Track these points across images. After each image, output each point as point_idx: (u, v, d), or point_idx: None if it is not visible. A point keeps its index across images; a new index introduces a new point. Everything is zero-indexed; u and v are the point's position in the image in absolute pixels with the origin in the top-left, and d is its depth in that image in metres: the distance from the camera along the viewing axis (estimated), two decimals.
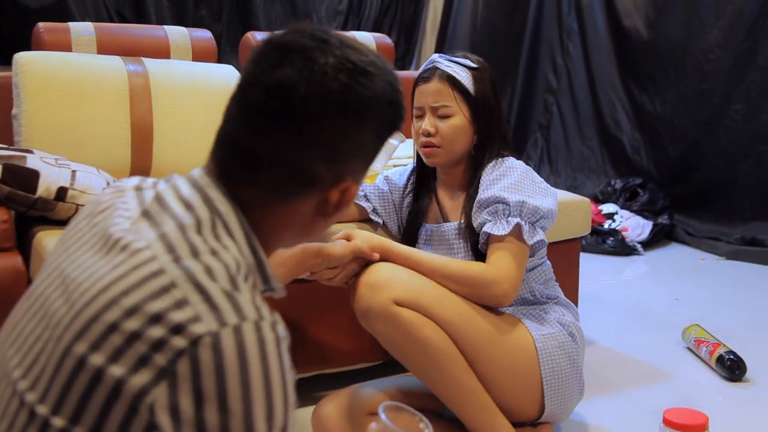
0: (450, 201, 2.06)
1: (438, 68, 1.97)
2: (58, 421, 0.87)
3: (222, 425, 0.83)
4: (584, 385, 1.99)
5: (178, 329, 0.84)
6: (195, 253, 0.90)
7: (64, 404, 0.87)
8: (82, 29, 2.68)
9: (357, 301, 1.84)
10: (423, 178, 2.12)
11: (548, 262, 2.06)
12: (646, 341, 2.81)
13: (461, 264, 1.88)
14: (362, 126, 1.00)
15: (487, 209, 1.90)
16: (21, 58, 2.43)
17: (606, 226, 4.08)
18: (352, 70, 0.98)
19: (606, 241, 4.00)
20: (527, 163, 2.00)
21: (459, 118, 1.96)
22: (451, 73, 1.96)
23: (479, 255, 1.94)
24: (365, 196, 2.18)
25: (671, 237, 4.24)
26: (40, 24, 2.66)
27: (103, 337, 0.85)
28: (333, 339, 2.22)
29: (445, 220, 2.05)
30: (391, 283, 1.80)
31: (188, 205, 0.96)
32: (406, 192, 2.16)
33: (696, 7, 4.18)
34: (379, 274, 1.83)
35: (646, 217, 4.17)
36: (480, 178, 1.96)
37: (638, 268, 3.89)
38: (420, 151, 2.01)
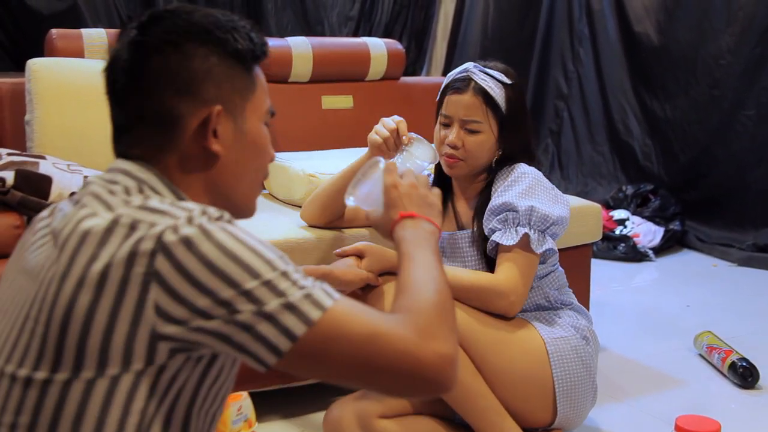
0: (465, 208, 2.06)
1: (473, 80, 1.96)
2: (59, 376, 0.92)
3: (226, 282, 0.91)
4: (597, 390, 1.98)
5: (140, 241, 0.92)
6: (127, 203, 0.99)
7: (59, 358, 0.93)
8: (94, 35, 2.70)
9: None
10: (441, 186, 2.12)
11: (561, 268, 2.06)
12: (658, 348, 2.80)
13: (470, 276, 1.89)
14: (186, 54, 1.05)
15: (498, 217, 1.90)
16: (34, 64, 2.44)
17: (617, 232, 4.07)
18: (154, 18, 1.06)
19: (617, 247, 3.99)
20: (538, 169, 2.00)
21: (486, 135, 1.96)
22: (486, 88, 1.94)
23: (491, 262, 1.94)
24: None
25: (683, 243, 4.23)
26: (53, 30, 2.68)
27: (82, 281, 0.92)
28: None
29: (460, 227, 2.04)
30: None
31: (111, 181, 1.04)
32: None
33: (707, 13, 4.17)
34: (389, 282, 1.87)
35: (657, 223, 4.16)
36: (491, 184, 1.97)
37: (650, 274, 3.87)
38: (441, 160, 2.00)
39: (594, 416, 2.17)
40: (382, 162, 1.42)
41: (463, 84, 1.97)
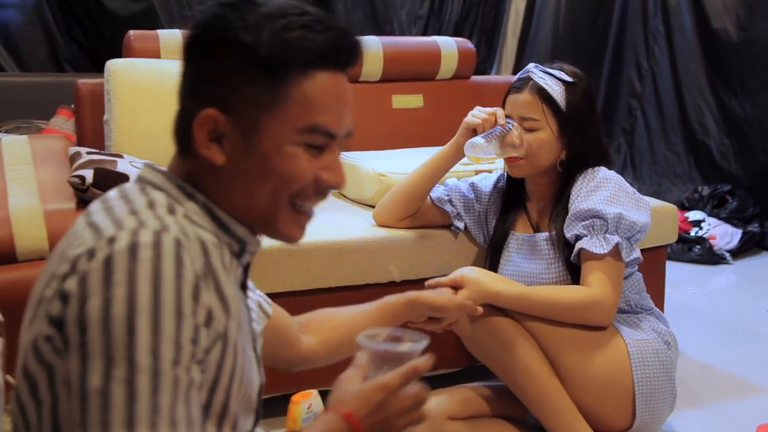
0: (539, 211, 2.04)
1: (531, 79, 1.95)
2: None
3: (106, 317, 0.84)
4: (676, 396, 1.94)
5: (68, 260, 0.90)
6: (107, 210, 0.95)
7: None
8: (170, 36, 2.75)
9: None
10: (513, 186, 2.10)
11: (639, 273, 2.02)
12: (736, 353, 2.73)
13: (566, 293, 1.86)
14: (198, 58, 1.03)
15: (584, 222, 1.87)
16: (112, 65, 2.51)
17: (693, 233, 3.97)
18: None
19: (693, 250, 3.90)
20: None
21: (545, 132, 1.93)
22: (543, 85, 1.93)
23: (572, 266, 1.91)
24: (449, 200, 2.17)
25: (762, 246, 4.10)
26: (131, 32, 2.74)
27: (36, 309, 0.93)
28: None
29: (536, 230, 2.02)
30: None
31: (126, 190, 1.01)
32: (491, 200, 2.14)
33: None
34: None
35: (735, 225, 4.04)
36: (571, 188, 1.93)
37: (726, 277, 3.77)
38: (505, 160, 2.00)
39: (669, 423, 2.12)
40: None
41: (522, 83, 1.97)
